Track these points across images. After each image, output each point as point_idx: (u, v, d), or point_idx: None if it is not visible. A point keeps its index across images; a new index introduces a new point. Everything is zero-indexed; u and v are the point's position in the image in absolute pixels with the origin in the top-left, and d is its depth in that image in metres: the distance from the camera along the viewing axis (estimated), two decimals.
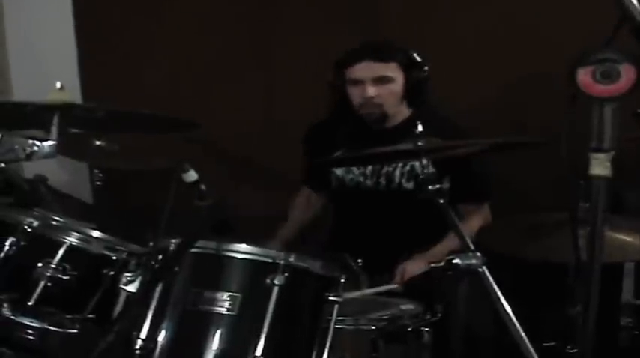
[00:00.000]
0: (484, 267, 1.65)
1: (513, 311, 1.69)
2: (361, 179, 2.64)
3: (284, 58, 3.19)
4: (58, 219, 2.19)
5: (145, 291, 1.81)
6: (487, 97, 3.00)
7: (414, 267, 2.43)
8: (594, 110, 1.29)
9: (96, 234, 2.18)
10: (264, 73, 3.23)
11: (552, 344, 2.23)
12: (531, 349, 1.59)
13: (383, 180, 2.62)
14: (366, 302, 2.20)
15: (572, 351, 1.96)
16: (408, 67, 2.52)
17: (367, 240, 2.53)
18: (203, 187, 1.74)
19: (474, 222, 2.55)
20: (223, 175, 3.25)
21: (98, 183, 2.83)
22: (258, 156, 3.22)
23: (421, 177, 1.86)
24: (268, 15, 3.19)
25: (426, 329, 2.13)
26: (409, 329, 2.10)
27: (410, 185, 2.56)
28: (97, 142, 2.49)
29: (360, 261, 2.29)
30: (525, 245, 2.20)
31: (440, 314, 2.15)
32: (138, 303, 1.81)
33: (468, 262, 1.65)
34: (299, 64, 3.15)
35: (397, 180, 2.60)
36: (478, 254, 1.67)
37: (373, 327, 2.06)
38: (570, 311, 1.99)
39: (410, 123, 2.17)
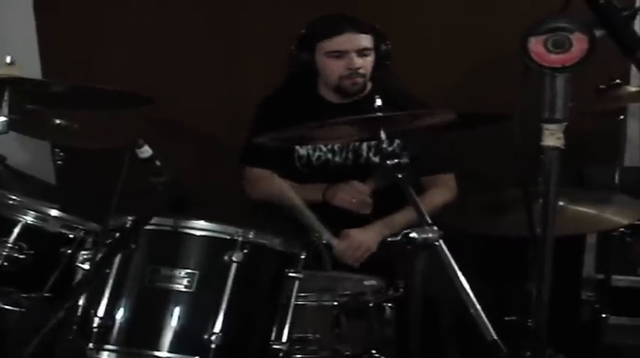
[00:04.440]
0: (441, 241, 1.65)
1: (475, 287, 1.69)
2: (330, 156, 2.62)
3: (245, 32, 3.15)
4: (13, 197, 2.17)
5: (99, 269, 1.78)
6: (447, 79, 3.00)
7: (362, 234, 2.43)
8: (547, 80, 1.29)
9: (53, 212, 2.16)
10: (226, 47, 3.19)
11: (513, 318, 2.24)
12: (487, 322, 1.59)
13: (351, 156, 2.61)
14: (328, 278, 2.20)
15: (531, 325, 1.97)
16: (377, 39, 2.52)
17: (335, 216, 2.51)
18: (158, 163, 1.70)
19: (436, 195, 2.54)
20: (186, 151, 3.24)
21: (59, 162, 2.79)
22: (222, 132, 3.18)
23: (381, 150, 1.84)
24: None
25: (389, 304, 2.13)
26: (371, 304, 2.10)
27: (377, 159, 2.54)
28: (57, 121, 2.46)
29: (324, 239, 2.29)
30: (485, 220, 2.21)
31: (402, 290, 2.15)
32: (91, 281, 1.79)
33: (424, 236, 1.64)
34: (260, 37, 3.11)
35: (365, 154, 2.59)
36: (435, 227, 1.66)
37: (335, 303, 2.06)
38: (530, 286, 2.00)
39: (371, 96, 2.16)
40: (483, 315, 1.60)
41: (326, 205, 2.50)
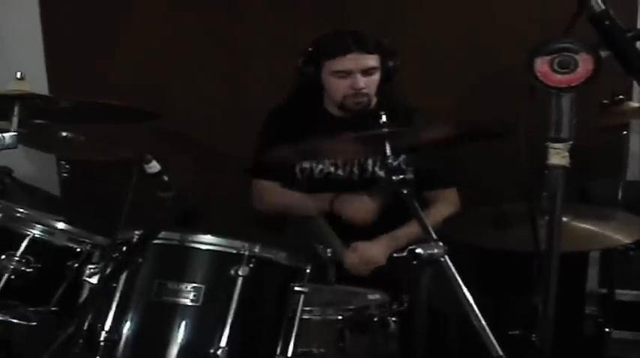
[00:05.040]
0: (446, 257, 1.66)
1: (479, 301, 1.70)
2: (332, 169, 2.63)
3: (250, 44, 3.17)
4: (21, 210, 2.17)
5: (106, 283, 1.79)
6: (453, 91, 3.01)
7: (371, 248, 2.45)
8: (552, 100, 1.30)
9: (60, 225, 2.16)
10: (230, 59, 3.21)
11: (517, 332, 2.25)
12: (492, 337, 1.60)
13: (356, 170, 2.61)
14: (333, 292, 2.21)
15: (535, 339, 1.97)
16: (385, 57, 2.53)
17: (340, 229, 2.52)
18: (166, 178, 1.72)
19: (440, 210, 2.55)
20: (192, 164, 3.25)
21: (65, 174, 2.80)
22: (226, 143, 3.19)
23: (387, 166, 1.85)
24: (231, 1, 3.17)
25: (393, 318, 2.14)
26: (375, 319, 2.11)
27: (383, 173, 2.55)
28: (63, 134, 2.47)
29: (329, 251, 2.30)
30: (490, 234, 2.21)
31: (406, 304, 2.16)
32: (99, 295, 1.80)
33: (429, 251, 1.65)
34: (265, 49, 3.13)
35: (370, 168, 2.60)
36: (440, 243, 1.67)
37: (340, 317, 2.07)
38: (535, 300, 2.00)
39: (376, 111, 2.18)
40: (488, 330, 1.61)
41: (331, 217, 2.51)
